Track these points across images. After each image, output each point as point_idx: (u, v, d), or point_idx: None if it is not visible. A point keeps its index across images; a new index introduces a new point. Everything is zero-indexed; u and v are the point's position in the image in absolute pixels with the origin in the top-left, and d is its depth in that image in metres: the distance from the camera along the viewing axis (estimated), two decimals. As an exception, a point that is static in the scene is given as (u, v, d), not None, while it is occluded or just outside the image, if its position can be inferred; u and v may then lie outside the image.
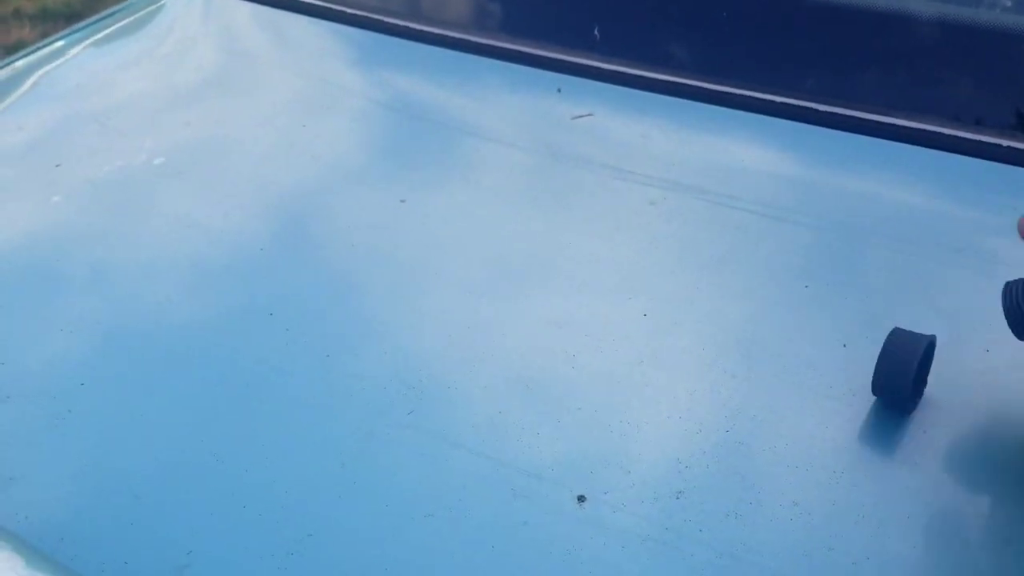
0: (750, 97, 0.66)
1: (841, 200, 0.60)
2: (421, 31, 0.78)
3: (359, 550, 0.42)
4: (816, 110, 0.65)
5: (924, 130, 0.62)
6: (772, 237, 0.57)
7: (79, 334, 0.53)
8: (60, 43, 0.84)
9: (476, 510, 0.43)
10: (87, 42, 0.85)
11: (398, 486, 0.44)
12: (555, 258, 0.57)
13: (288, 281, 0.56)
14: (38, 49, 0.84)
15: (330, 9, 0.82)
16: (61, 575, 0.36)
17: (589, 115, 0.68)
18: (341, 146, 0.69)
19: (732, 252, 0.56)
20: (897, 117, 0.63)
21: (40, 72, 0.80)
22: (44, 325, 0.54)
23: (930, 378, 0.47)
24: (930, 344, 0.46)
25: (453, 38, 0.76)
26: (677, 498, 0.43)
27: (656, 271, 0.56)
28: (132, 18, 0.88)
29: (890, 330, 0.48)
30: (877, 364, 0.45)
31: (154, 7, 0.89)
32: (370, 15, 0.80)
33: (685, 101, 0.68)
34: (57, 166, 0.67)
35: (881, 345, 0.46)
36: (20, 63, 0.82)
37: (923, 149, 0.62)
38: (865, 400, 0.47)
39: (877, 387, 0.46)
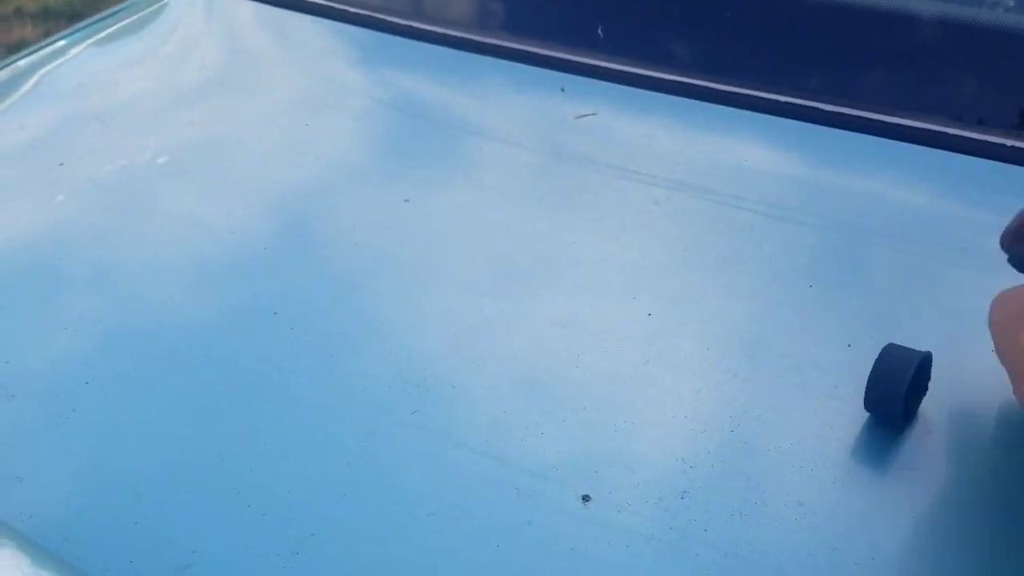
0: (755, 97, 0.66)
1: (846, 200, 0.60)
2: (424, 30, 0.77)
3: (363, 549, 0.42)
4: (821, 110, 0.64)
5: (929, 130, 0.62)
6: (777, 237, 0.57)
7: (83, 333, 0.53)
8: (62, 42, 0.84)
9: (480, 509, 0.43)
10: (89, 41, 0.85)
11: (402, 485, 0.44)
12: (559, 258, 0.57)
13: (292, 280, 0.56)
14: (40, 48, 0.84)
15: (333, 8, 0.82)
16: (66, 574, 0.36)
17: (593, 114, 0.68)
18: (344, 145, 0.69)
19: (737, 252, 0.56)
20: (902, 117, 0.63)
21: (42, 71, 0.80)
22: (48, 324, 0.54)
23: (933, 377, 0.47)
24: (924, 360, 0.45)
25: (456, 37, 0.76)
26: (682, 498, 0.43)
27: (661, 271, 0.56)
28: (134, 17, 0.88)
29: (894, 329, 0.47)
30: (868, 381, 0.45)
31: (156, 6, 0.89)
32: (373, 14, 0.80)
33: (690, 101, 0.68)
34: (60, 165, 0.67)
35: (881, 347, 0.46)
36: (22, 62, 0.82)
37: (928, 149, 0.62)
38: (870, 400, 0.47)
39: (868, 403, 0.45)
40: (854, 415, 0.46)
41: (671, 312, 0.53)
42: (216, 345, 0.52)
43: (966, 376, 0.48)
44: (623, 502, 0.43)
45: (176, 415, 0.48)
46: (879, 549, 0.41)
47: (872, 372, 0.45)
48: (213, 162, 0.67)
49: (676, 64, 0.70)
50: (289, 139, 0.69)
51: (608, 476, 0.44)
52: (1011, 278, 0.45)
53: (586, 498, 0.43)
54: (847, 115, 0.64)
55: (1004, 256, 0.52)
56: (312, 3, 0.83)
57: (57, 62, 0.82)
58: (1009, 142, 0.60)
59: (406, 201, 0.62)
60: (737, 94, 0.67)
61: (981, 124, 0.62)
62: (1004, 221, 0.58)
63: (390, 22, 0.79)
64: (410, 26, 0.78)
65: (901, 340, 0.50)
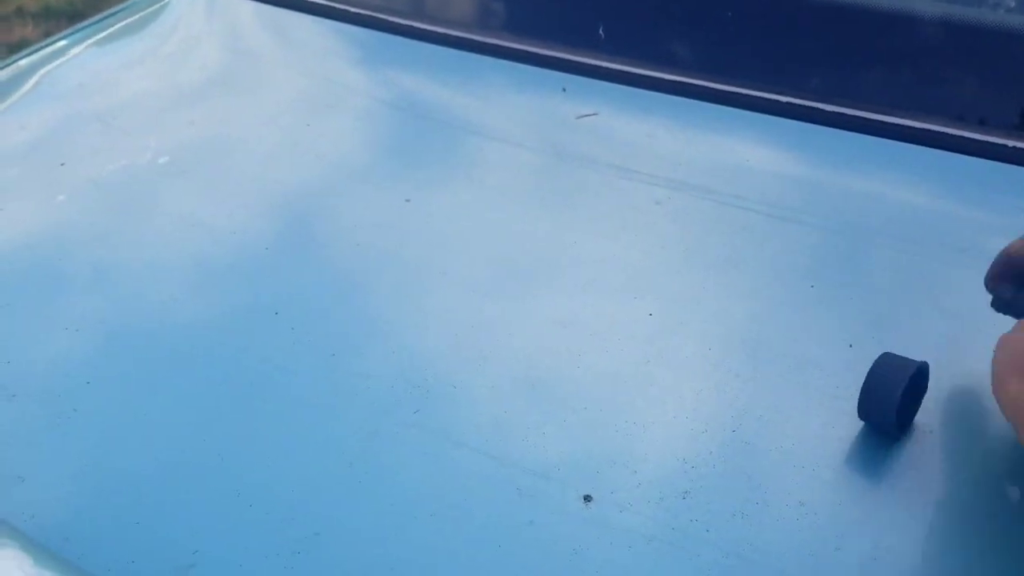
0: (756, 97, 0.66)
1: (847, 200, 0.60)
2: (425, 30, 0.77)
3: (365, 549, 0.42)
4: (822, 110, 0.64)
5: (930, 130, 0.62)
6: (778, 237, 0.57)
7: (84, 333, 0.53)
8: (63, 42, 0.84)
9: (482, 509, 0.43)
10: (91, 41, 0.85)
11: (404, 485, 0.44)
12: (561, 257, 0.57)
13: (293, 280, 0.56)
14: (42, 48, 0.84)
15: (334, 8, 0.82)
16: (68, 574, 0.36)
17: (594, 114, 0.68)
18: (346, 145, 0.69)
19: (738, 252, 0.56)
20: (903, 117, 0.63)
21: (43, 71, 0.80)
22: (49, 324, 0.54)
23: (933, 377, 0.47)
24: (920, 371, 0.45)
25: (458, 37, 0.76)
26: (683, 498, 0.43)
27: (662, 271, 0.56)
28: (135, 17, 0.88)
29: (894, 330, 0.47)
30: (862, 389, 0.44)
31: (157, 6, 0.89)
32: (375, 14, 0.80)
33: (691, 101, 0.68)
34: (62, 165, 0.67)
35: (886, 346, 0.46)
36: (23, 62, 0.82)
37: (929, 149, 0.62)
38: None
39: (862, 412, 0.45)
40: (856, 415, 0.46)
41: (672, 312, 0.53)
42: (218, 345, 0.52)
43: (966, 377, 0.48)
44: (625, 502, 0.43)
45: (178, 415, 0.48)
46: (881, 549, 0.41)
47: (865, 382, 0.44)
48: (214, 162, 0.67)
49: (677, 64, 0.70)
50: (290, 139, 0.69)
51: (610, 476, 0.44)
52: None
53: (588, 498, 0.43)
54: (848, 115, 0.64)
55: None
56: (313, 3, 0.83)
57: (58, 62, 0.82)
58: (1009, 142, 0.60)
59: (407, 201, 0.62)
60: (738, 94, 0.67)
61: (982, 124, 0.62)
62: (1005, 221, 0.58)
63: (391, 22, 0.79)
64: (411, 26, 0.78)
65: (901, 341, 0.50)
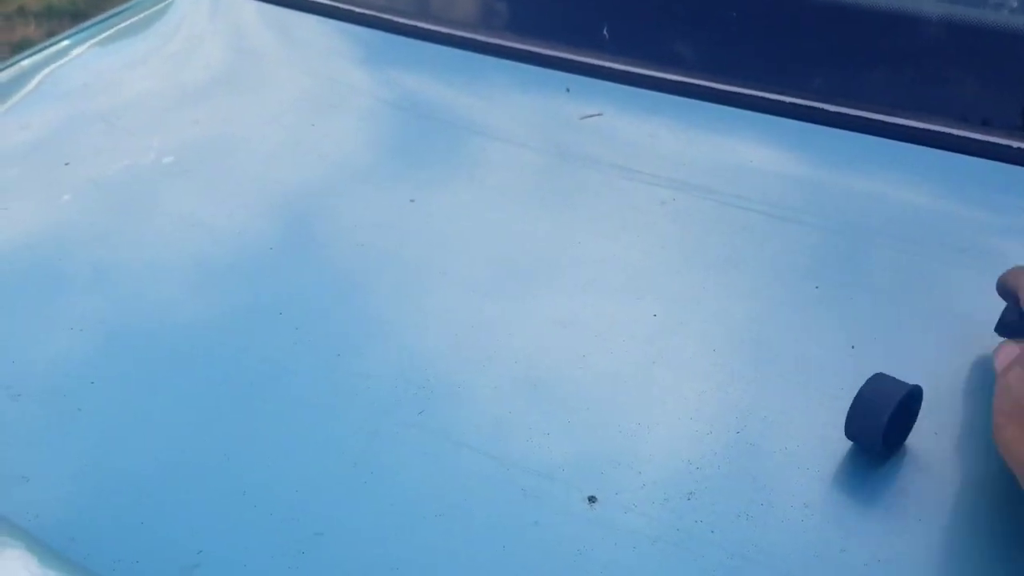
0: (759, 97, 0.66)
1: (849, 200, 0.60)
2: (429, 30, 0.77)
3: (369, 549, 0.42)
4: (825, 110, 0.64)
5: (932, 131, 0.62)
6: (781, 237, 0.57)
7: (88, 333, 0.53)
8: (67, 42, 0.84)
9: (486, 510, 0.43)
10: (94, 40, 0.85)
11: (408, 486, 0.44)
12: (564, 258, 0.57)
13: (297, 280, 0.56)
14: (45, 48, 0.84)
15: (338, 8, 0.82)
16: (73, 573, 0.36)
17: (598, 115, 0.68)
18: (350, 145, 0.69)
19: (741, 252, 0.56)
20: (905, 117, 0.63)
21: (47, 71, 0.80)
22: (53, 324, 0.54)
23: (936, 376, 0.47)
24: (910, 394, 0.44)
25: (461, 37, 0.76)
26: (688, 499, 0.43)
27: (665, 271, 0.56)
28: (139, 16, 0.88)
29: (896, 330, 0.47)
30: (850, 408, 0.44)
31: (161, 5, 0.89)
32: (379, 14, 0.80)
33: (694, 101, 0.68)
34: (66, 164, 0.67)
35: (888, 347, 0.46)
36: (27, 62, 0.82)
37: (931, 150, 0.62)
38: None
39: (849, 432, 0.44)
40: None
41: (676, 313, 0.53)
42: (222, 345, 0.52)
43: (971, 376, 0.48)
44: (629, 503, 0.43)
45: (182, 415, 0.48)
46: (886, 550, 0.41)
47: (855, 400, 0.43)
48: (219, 162, 0.67)
49: (681, 65, 0.70)
50: (295, 139, 0.69)
51: (614, 477, 0.44)
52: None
53: (592, 499, 0.43)
54: (850, 116, 0.64)
55: (1005, 256, 0.52)
56: (317, 3, 0.83)
57: (62, 61, 0.82)
58: (1011, 143, 0.60)
59: (411, 201, 0.62)
60: (741, 95, 0.67)
61: (983, 125, 0.62)
62: (1007, 221, 0.59)
63: (395, 22, 0.79)
64: (415, 26, 0.78)
65: (903, 342, 0.50)
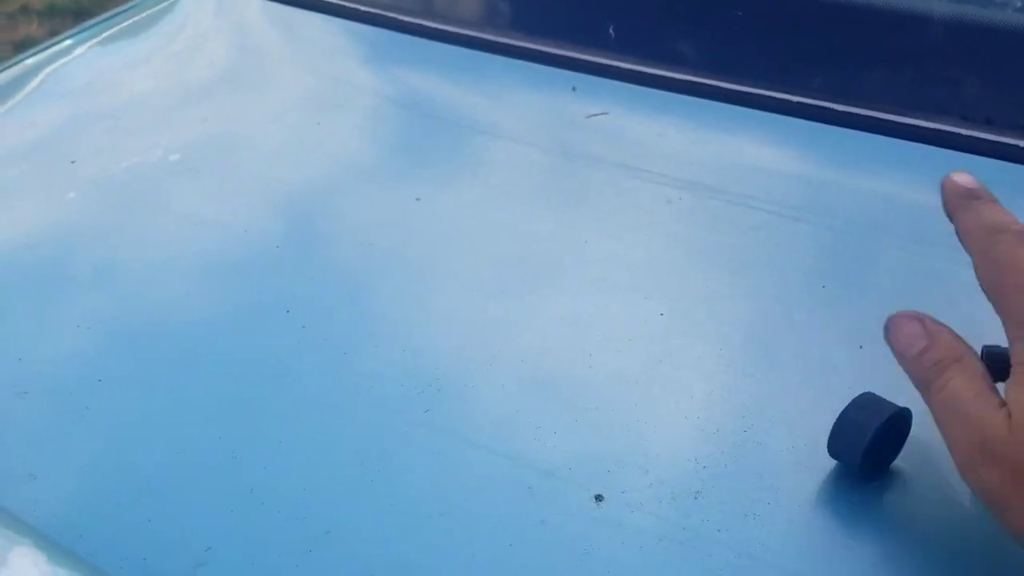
0: (768, 96, 0.66)
1: (858, 200, 0.60)
2: (435, 29, 0.77)
3: (376, 548, 0.42)
4: (834, 110, 0.64)
5: (942, 130, 0.62)
6: (789, 237, 0.57)
7: (96, 331, 0.53)
8: (70, 40, 0.85)
9: (493, 508, 0.43)
10: (99, 39, 0.85)
11: (415, 484, 0.44)
12: (571, 257, 0.57)
13: (304, 279, 0.56)
14: (50, 46, 0.84)
15: (343, 6, 0.82)
16: (82, 571, 0.37)
17: (604, 114, 0.68)
18: (355, 143, 0.69)
19: (749, 252, 0.56)
20: (915, 117, 0.63)
21: (51, 69, 0.81)
22: (61, 321, 0.54)
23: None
24: (897, 415, 0.43)
25: (467, 36, 0.76)
26: (695, 498, 0.43)
27: (673, 270, 0.56)
28: (143, 15, 0.88)
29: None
30: (834, 426, 0.43)
31: (165, 4, 0.89)
32: (384, 12, 0.80)
33: (702, 100, 0.67)
34: (72, 163, 0.67)
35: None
36: (30, 61, 0.82)
37: (941, 149, 0.61)
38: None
39: (831, 450, 0.43)
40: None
41: (683, 312, 0.53)
42: (230, 343, 0.52)
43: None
44: (636, 502, 0.43)
45: (189, 413, 0.48)
46: (894, 550, 0.41)
47: (839, 418, 0.43)
48: (225, 160, 0.67)
49: (688, 64, 0.70)
50: (301, 137, 0.69)
51: (621, 476, 0.44)
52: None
53: (599, 498, 0.43)
54: (860, 115, 0.64)
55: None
56: (322, 1, 0.83)
57: (66, 60, 0.82)
58: (1020, 142, 0.60)
59: (417, 200, 0.62)
60: (749, 94, 0.67)
61: (994, 125, 0.62)
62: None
63: (400, 20, 0.79)
64: (421, 24, 0.78)
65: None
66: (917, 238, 0.57)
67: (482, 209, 0.61)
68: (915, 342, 0.40)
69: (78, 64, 0.82)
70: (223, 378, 0.50)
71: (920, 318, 0.41)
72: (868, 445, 0.42)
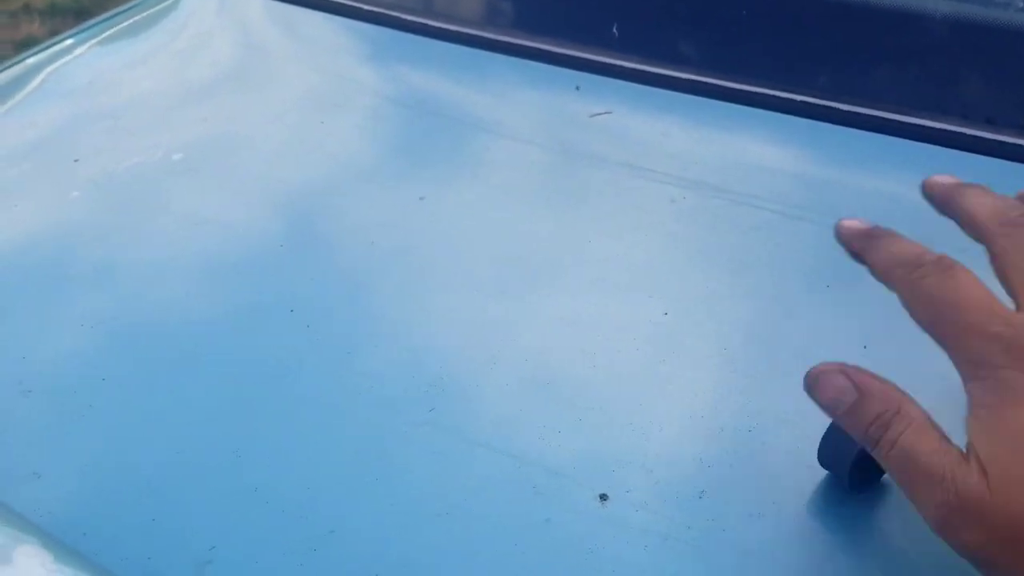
0: (771, 95, 0.66)
1: (862, 199, 0.60)
2: (437, 28, 0.77)
3: (381, 547, 0.42)
4: (838, 109, 0.64)
5: (946, 130, 0.62)
6: (792, 236, 0.57)
7: (99, 329, 0.53)
8: (71, 40, 0.84)
9: (497, 508, 0.43)
10: (100, 38, 0.85)
11: (419, 483, 0.44)
12: (575, 256, 0.57)
13: (308, 278, 0.56)
14: (51, 46, 0.84)
15: (345, 5, 0.82)
16: (87, 570, 0.36)
17: (608, 113, 0.68)
18: (358, 142, 0.69)
19: (752, 251, 0.56)
20: (919, 116, 0.63)
21: (52, 68, 0.80)
22: (64, 320, 0.54)
23: (936, 375, 0.46)
24: None
25: (470, 35, 0.76)
26: (700, 498, 0.43)
27: (677, 270, 0.56)
28: (144, 14, 0.88)
29: (907, 331, 0.46)
30: (823, 437, 0.43)
31: (167, 3, 0.89)
32: (386, 11, 0.80)
33: (705, 99, 0.67)
34: (75, 161, 0.67)
35: (900, 347, 0.45)
36: (32, 60, 0.82)
37: (944, 149, 0.61)
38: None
39: (821, 460, 0.43)
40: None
41: (687, 311, 0.53)
42: (233, 342, 0.52)
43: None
44: (641, 501, 0.43)
45: (192, 412, 0.48)
46: (900, 550, 0.41)
47: (828, 430, 0.42)
48: (227, 159, 0.67)
49: (692, 63, 0.70)
50: (303, 136, 0.69)
51: (625, 475, 0.44)
52: None
53: (604, 497, 0.43)
54: (863, 114, 0.64)
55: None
56: (324, 0, 0.83)
57: (67, 59, 0.82)
58: (1021, 141, 0.60)
59: (421, 199, 0.62)
60: (753, 93, 0.67)
61: (998, 124, 0.62)
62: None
63: (403, 19, 0.79)
64: (423, 23, 0.78)
65: (915, 342, 0.49)
66: (920, 237, 0.56)
67: (485, 208, 0.61)
68: (844, 396, 0.37)
69: (79, 63, 0.82)
70: (227, 377, 0.50)
71: (843, 370, 0.38)
72: (856, 458, 0.41)
